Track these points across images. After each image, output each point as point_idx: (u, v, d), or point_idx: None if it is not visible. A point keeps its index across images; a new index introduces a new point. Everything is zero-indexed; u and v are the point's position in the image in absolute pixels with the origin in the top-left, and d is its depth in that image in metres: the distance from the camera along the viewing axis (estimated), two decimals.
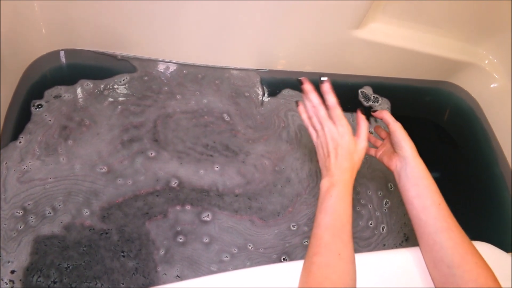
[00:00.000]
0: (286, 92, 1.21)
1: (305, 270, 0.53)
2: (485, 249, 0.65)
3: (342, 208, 0.57)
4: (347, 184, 0.59)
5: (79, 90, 1.10)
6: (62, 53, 1.15)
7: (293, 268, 0.57)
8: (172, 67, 1.19)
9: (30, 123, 1.02)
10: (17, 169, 0.95)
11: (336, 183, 0.59)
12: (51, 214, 0.91)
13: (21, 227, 0.88)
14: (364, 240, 0.99)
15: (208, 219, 0.96)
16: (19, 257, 0.85)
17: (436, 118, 1.30)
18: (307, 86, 0.67)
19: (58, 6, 1.02)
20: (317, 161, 1.09)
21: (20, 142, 0.99)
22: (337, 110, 0.63)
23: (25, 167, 0.96)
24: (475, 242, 0.65)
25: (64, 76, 1.12)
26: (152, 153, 1.03)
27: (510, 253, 0.66)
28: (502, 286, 0.51)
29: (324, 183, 0.61)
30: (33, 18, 1.03)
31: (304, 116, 0.69)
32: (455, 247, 0.54)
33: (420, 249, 0.61)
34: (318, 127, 0.66)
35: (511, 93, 1.20)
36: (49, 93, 1.08)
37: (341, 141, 0.62)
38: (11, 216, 0.89)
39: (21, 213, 0.90)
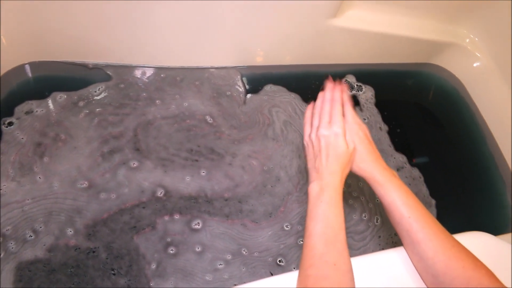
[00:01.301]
0: (269, 87, 1.16)
1: (301, 284, 0.49)
2: (481, 238, 0.61)
3: (333, 215, 0.52)
4: (337, 188, 0.55)
5: (51, 104, 1.03)
6: (27, 67, 1.07)
7: (286, 281, 0.53)
8: (149, 72, 1.13)
9: (1, 142, 0.95)
10: None
11: (326, 187, 0.54)
12: (33, 237, 0.85)
13: (1, 255, 0.82)
14: (359, 233, 0.96)
15: (199, 227, 0.92)
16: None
17: (421, 100, 1.27)
18: (330, 84, 0.62)
19: (18, 19, 0.95)
20: (305, 157, 1.05)
21: None
22: (338, 106, 0.58)
23: (0, 191, 0.89)
24: (470, 232, 0.61)
25: (34, 90, 1.05)
26: (134, 163, 0.97)
27: (507, 240, 0.63)
28: (501, 275, 0.48)
29: (314, 188, 0.56)
30: None
31: (307, 113, 0.63)
32: (435, 256, 0.49)
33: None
34: (315, 123, 0.60)
35: (495, 71, 1.17)
36: (20, 109, 1.01)
37: (333, 141, 0.57)
38: None
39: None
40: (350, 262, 0.49)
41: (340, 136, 0.57)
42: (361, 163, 0.58)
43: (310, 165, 0.60)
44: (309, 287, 0.47)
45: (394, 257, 0.57)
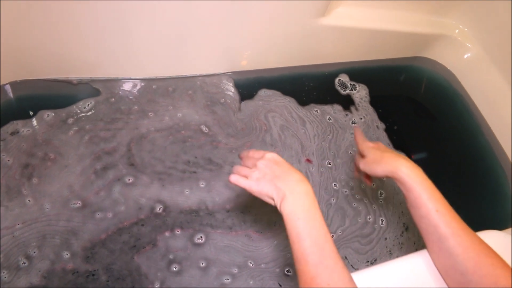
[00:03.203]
0: (263, 92, 1.12)
1: None
2: (494, 237, 0.59)
3: (315, 230, 0.48)
4: (309, 197, 0.51)
5: (39, 123, 0.97)
6: (7, 87, 1.01)
7: None
8: (140, 84, 1.08)
9: None
10: None
11: (297, 200, 0.50)
12: (26, 264, 0.79)
13: None
14: (365, 237, 0.92)
15: (202, 241, 0.87)
16: None
17: (415, 95, 1.25)
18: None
19: None
20: (306, 161, 1.02)
21: None
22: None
23: None
24: (483, 232, 0.59)
25: (17, 111, 0.99)
26: (130, 179, 0.92)
27: None
28: None
29: (285, 206, 0.50)
30: None
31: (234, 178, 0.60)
32: (465, 252, 0.46)
33: (430, 255, 0.54)
34: (246, 171, 0.58)
35: (486, 60, 1.15)
36: (5, 130, 0.95)
37: (266, 158, 0.56)
38: None
39: None
40: (345, 274, 0.45)
41: (267, 153, 0.57)
42: (381, 163, 0.58)
43: (266, 193, 0.54)
44: None
45: (409, 264, 0.54)
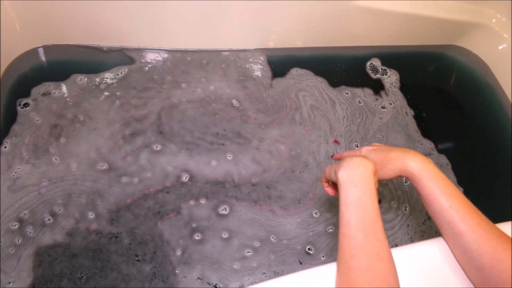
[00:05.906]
0: (295, 71, 1.06)
1: (343, 277, 0.42)
2: None
3: (370, 201, 0.45)
4: (369, 172, 0.48)
5: (71, 86, 0.94)
6: (40, 51, 0.98)
7: (320, 274, 0.46)
8: (175, 55, 1.03)
9: (16, 124, 0.86)
10: (6, 177, 0.80)
11: (357, 172, 0.48)
12: (51, 221, 0.77)
13: (19, 241, 0.74)
14: (388, 222, 0.87)
15: (226, 212, 0.83)
16: (21, 274, 0.70)
17: (445, 83, 1.16)
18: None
19: (30, 2, 0.86)
20: (333, 142, 0.97)
21: (5, 147, 0.83)
22: None
23: (15, 174, 0.80)
24: (509, 222, 0.53)
25: (49, 74, 0.95)
26: (157, 147, 0.88)
27: None
28: None
29: (342, 174, 0.48)
30: (5, 17, 0.86)
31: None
32: (480, 248, 0.43)
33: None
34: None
35: None
36: (36, 90, 0.91)
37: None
38: (7, 231, 0.74)
39: (17, 226, 0.75)
40: (390, 251, 0.43)
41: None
42: (388, 164, 0.51)
43: (333, 167, 0.53)
44: (353, 280, 0.41)
45: (433, 248, 0.50)
